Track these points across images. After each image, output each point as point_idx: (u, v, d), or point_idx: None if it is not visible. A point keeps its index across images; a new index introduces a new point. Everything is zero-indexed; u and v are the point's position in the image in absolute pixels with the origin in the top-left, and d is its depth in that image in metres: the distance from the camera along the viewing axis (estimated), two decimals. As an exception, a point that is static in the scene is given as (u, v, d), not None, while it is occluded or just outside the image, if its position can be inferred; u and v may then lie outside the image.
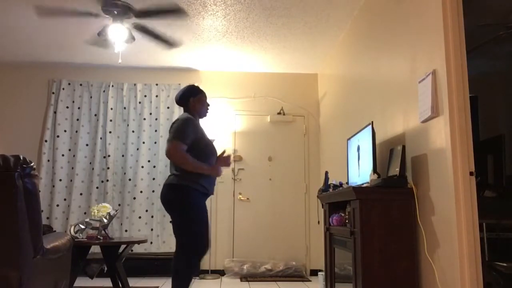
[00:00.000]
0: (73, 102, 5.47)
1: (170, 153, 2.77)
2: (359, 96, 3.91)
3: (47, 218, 5.18)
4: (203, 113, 3.10)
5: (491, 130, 4.55)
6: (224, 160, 3.06)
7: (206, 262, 5.27)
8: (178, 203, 2.81)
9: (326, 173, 3.72)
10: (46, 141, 5.33)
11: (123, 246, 3.90)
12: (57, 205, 5.19)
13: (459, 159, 2.26)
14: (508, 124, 4.68)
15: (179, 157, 2.76)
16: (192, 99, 3.04)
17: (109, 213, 3.84)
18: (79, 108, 5.46)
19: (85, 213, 5.22)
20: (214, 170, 2.89)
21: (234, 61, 5.37)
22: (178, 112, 5.47)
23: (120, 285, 3.82)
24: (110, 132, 5.36)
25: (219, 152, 3.10)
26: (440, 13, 2.44)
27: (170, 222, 5.22)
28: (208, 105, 3.14)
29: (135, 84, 5.54)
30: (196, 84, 3.17)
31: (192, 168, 2.78)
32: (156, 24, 4.32)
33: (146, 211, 5.25)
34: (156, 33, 4.46)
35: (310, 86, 5.77)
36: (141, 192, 5.27)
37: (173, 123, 2.90)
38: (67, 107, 5.46)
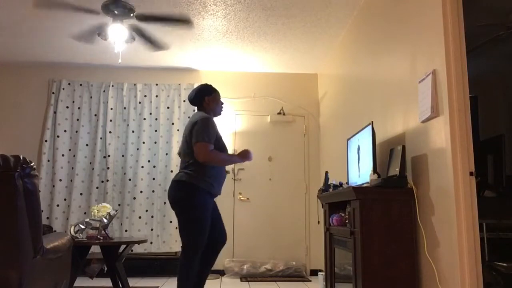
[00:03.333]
0: (73, 102, 5.47)
1: (200, 156, 2.81)
2: (359, 96, 3.91)
3: (47, 218, 5.18)
4: (217, 112, 3.15)
5: (491, 130, 4.55)
6: (246, 154, 3.10)
7: (206, 262, 5.26)
8: (184, 201, 2.84)
9: (326, 173, 3.72)
10: (46, 141, 5.33)
11: (123, 246, 3.90)
12: (57, 205, 5.18)
13: (459, 159, 2.26)
14: (508, 124, 4.68)
15: (211, 158, 2.83)
16: (207, 98, 3.07)
17: (109, 213, 3.84)
18: (79, 108, 5.46)
19: (85, 213, 5.22)
20: (245, 157, 2.98)
21: (234, 61, 5.37)
22: (178, 112, 5.47)
23: (120, 285, 3.82)
24: (110, 132, 5.36)
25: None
26: (440, 13, 2.44)
27: (170, 222, 5.25)
28: (222, 103, 3.17)
29: (135, 84, 5.54)
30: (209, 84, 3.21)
31: (226, 163, 2.91)
32: (157, 24, 4.32)
33: (146, 211, 5.25)
34: (145, 33, 4.45)
35: (310, 86, 5.77)
36: (141, 192, 5.27)
37: (193, 124, 2.90)
38: (67, 107, 5.46)
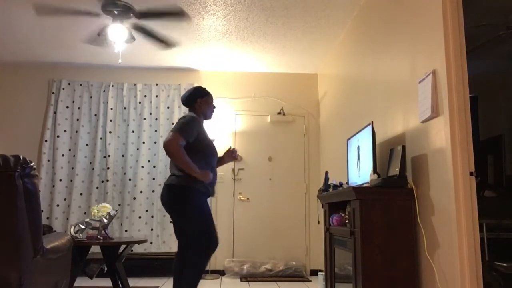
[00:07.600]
0: (73, 102, 5.47)
1: (167, 143, 2.71)
2: (359, 96, 3.91)
3: (47, 218, 5.18)
4: (208, 115, 3.10)
5: (491, 130, 4.55)
6: (231, 153, 3.12)
7: (206, 262, 5.27)
8: (179, 204, 2.82)
9: (326, 173, 3.72)
10: (46, 141, 5.33)
11: (123, 246, 3.90)
12: (57, 205, 5.18)
13: (459, 159, 2.26)
14: (508, 124, 4.68)
15: (174, 150, 2.70)
16: (200, 100, 3.04)
17: (109, 213, 3.84)
18: (79, 108, 5.46)
19: (85, 213, 5.22)
20: (204, 175, 2.79)
21: (234, 61, 5.37)
22: (178, 112, 5.47)
23: (120, 285, 3.82)
24: (110, 132, 5.36)
25: (220, 153, 3.12)
26: (440, 13, 2.44)
27: (170, 222, 5.24)
28: (214, 107, 3.14)
29: (135, 84, 5.54)
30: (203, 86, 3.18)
31: (183, 165, 2.73)
32: (156, 24, 4.32)
33: (146, 211, 5.25)
34: (154, 33, 4.45)
35: (310, 86, 5.77)
36: (141, 192, 5.27)
37: (180, 119, 2.90)
38: (67, 107, 5.46)
